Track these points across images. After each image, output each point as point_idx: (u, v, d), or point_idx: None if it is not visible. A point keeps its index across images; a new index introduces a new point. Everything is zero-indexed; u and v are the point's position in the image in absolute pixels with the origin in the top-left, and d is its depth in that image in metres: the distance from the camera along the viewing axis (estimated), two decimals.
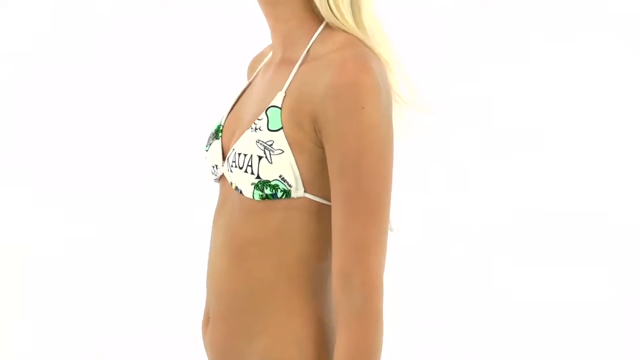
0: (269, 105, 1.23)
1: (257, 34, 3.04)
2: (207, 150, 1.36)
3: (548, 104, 3.11)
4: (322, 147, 1.19)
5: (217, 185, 1.36)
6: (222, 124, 1.37)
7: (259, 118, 1.23)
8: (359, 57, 1.16)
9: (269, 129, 1.20)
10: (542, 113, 3.11)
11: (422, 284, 3.06)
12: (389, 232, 1.20)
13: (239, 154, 1.23)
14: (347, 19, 1.22)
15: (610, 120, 3.13)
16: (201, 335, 1.37)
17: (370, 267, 1.16)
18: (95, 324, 3.05)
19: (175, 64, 3.13)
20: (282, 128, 1.20)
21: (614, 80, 3.12)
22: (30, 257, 3.12)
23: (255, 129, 1.22)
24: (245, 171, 1.22)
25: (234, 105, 1.40)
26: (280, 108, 1.21)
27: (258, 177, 1.21)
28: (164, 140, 3.13)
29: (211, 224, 1.35)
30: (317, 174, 1.20)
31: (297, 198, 1.22)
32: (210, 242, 1.34)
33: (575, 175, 3.12)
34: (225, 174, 1.30)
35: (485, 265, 3.10)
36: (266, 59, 1.40)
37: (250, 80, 1.44)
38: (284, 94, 1.22)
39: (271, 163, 1.19)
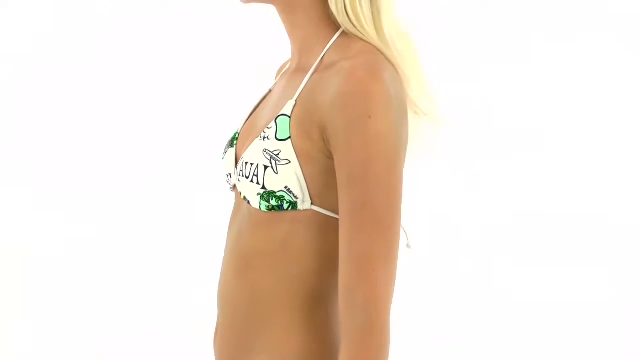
0: (279, 114, 1.20)
1: (258, 34, 3.05)
2: (222, 159, 1.34)
3: (550, 106, 3.09)
4: (331, 158, 1.16)
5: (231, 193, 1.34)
6: (239, 132, 1.34)
7: (268, 127, 1.20)
8: (370, 65, 1.12)
9: (276, 138, 1.17)
10: (544, 116, 3.09)
11: (431, 298, 3.03)
12: (405, 248, 1.16)
13: (246, 163, 1.21)
14: (365, 26, 1.18)
15: (613, 121, 3.11)
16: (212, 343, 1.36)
17: (375, 283, 1.11)
18: (97, 325, 3.05)
19: (175, 64, 3.12)
20: (290, 137, 1.17)
21: (615, 80, 3.10)
22: (30, 257, 3.11)
23: (264, 137, 1.19)
24: (251, 181, 1.19)
25: (252, 113, 1.38)
26: (289, 117, 1.18)
27: (263, 187, 1.18)
28: (164, 142, 3.12)
29: (224, 230, 1.33)
30: (325, 186, 1.17)
31: (304, 210, 1.18)
32: (224, 251, 1.33)
33: (586, 182, 3.10)
34: (236, 183, 1.27)
35: (498, 279, 3.07)
36: (287, 67, 1.36)
37: (271, 87, 1.42)
38: (294, 103, 1.19)
39: (277, 173, 1.16)
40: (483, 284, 3.07)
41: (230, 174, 1.31)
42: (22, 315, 3.09)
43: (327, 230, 1.19)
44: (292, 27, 1.26)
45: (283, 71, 1.39)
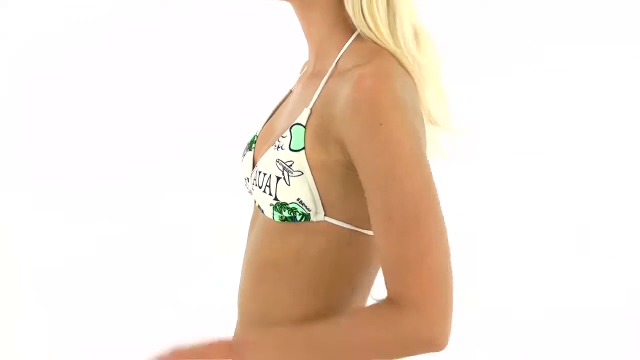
0: (294, 122, 1.16)
1: (258, 34, 3.04)
2: (242, 161, 1.32)
3: (550, 108, 3.08)
4: (350, 169, 1.12)
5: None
6: (257, 134, 1.32)
7: (283, 135, 1.17)
8: (380, 72, 1.08)
9: (290, 149, 1.14)
10: (545, 116, 3.08)
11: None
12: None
13: (260, 172, 1.18)
14: (381, 30, 1.14)
15: (616, 121, 3.09)
16: None
17: (411, 288, 1.04)
18: (113, 328, 3.03)
19: (175, 64, 3.11)
20: (304, 148, 1.13)
21: (615, 80, 3.09)
22: (36, 264, 3.09)
23: (278, 147, 1.16)
24: (264, 191, 1.17)
25: (273, 114, 1.35)
26: (304, 126, 1.15)
27: (276, 198, 1.16)
28: (166, 143, 3.11)
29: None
30: (340, 197, 1.14)
31: (318, 222, 1.16)
32: (244, 254, 1.31)
33: (604, 187, 3.05)
34: (251, 191, 1.26)
35: (513, 288, 3.05)
36: (306, 68, 1.33)
37: (292, 87, 1.39)
38: (309, 112, 1.16)
39: (289, 185, 1.14)
40: (497, 292, 3.04)
41: (247, 178, 1.29)
42: (22, 317, 3.08)
43: (342, 241, 1.17)
44: (308, 26, 1.23)
45: (302, 72, 1.36)
